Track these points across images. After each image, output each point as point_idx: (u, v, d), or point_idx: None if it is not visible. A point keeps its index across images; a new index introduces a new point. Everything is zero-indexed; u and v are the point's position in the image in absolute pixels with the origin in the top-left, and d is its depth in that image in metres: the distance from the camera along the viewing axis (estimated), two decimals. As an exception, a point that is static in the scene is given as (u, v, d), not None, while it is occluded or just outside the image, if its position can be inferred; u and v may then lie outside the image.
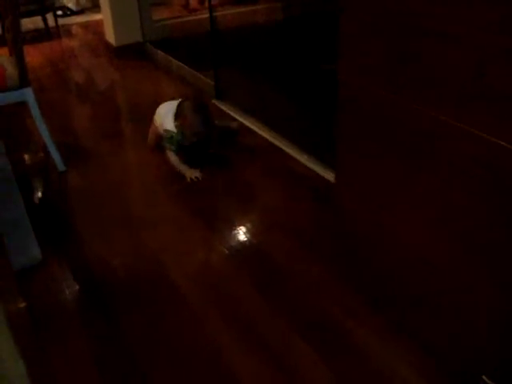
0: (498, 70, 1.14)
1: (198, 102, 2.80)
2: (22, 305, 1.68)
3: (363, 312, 1.77)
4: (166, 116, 2.78)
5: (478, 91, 1.20)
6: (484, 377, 1.37)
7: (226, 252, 2.11)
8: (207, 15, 3.64)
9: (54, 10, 5.98)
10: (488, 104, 1.18)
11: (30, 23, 6.01)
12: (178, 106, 2.73)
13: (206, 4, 3.99)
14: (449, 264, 1.43)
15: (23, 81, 2.56)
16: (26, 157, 3.01)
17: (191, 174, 2.65)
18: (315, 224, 2.22)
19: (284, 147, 2.86)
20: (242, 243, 2.16)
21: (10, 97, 2.56)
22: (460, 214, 1.35)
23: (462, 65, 1.22)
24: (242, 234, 2.21)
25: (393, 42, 1.42)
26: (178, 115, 2.71)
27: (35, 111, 2.64)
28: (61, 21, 6.23)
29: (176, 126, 2.70)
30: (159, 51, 4.51)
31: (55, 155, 2.76)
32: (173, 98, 2.92)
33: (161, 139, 2.83)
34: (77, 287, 2.00)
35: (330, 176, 2.43)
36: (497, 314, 1.33)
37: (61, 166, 2.78)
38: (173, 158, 2.72)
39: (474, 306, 1.40)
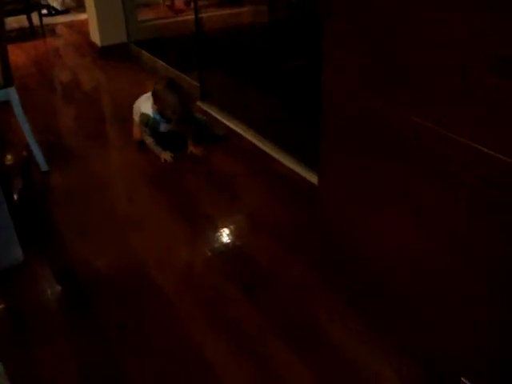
0: (481, 75, 1.15)
1: (169, 81, 2.89)
2: (1, 306, 1.67)
3: (347, 314, 1.78)
4: (142, 103, 2.93)
5: (462, 96, 1.21)
6: (463, 378, 1.39)
7: (209, 254, 2.11)
8: (193, 16, 3.65)
9: (39, 9, 5.95)
10: (472, 110, 1.19)
11: (14, 22, 5.98)
12: (153, 90, 2.86)
13: (192, 5, 3.99)
14: (433, 265, 1.45)
15: (7, 80, 2.55)
16: (9, 156, 2.99)
17: (165, 155, 2.83)
18: (299, 226, 2.23)
19: (268, 149, 2.87)
20: (225, 245, 2.17)
21: (-6, 96, 2.55)
22: (443, 217, 1.36)
23: (446, 70, 1.23)
24: (225, 236, 2.22)
25: (377, 47, 1.43)
26: (154, 98, 2.84)
27: (18, 111, 2.63)
28: (46, 20, 6.19)
29: (153, 109, 2.85)
30: (144, 52, 4.51)
31: (38, 155, 2.75)
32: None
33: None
34: (59, 288, 1.99)
35: (313, 178, 2.44)
36: (480, 314, 1.35)
37: (44, 166, 2.77)
38: (148, 140, 2.89)
39: (455, 307, 1.41)
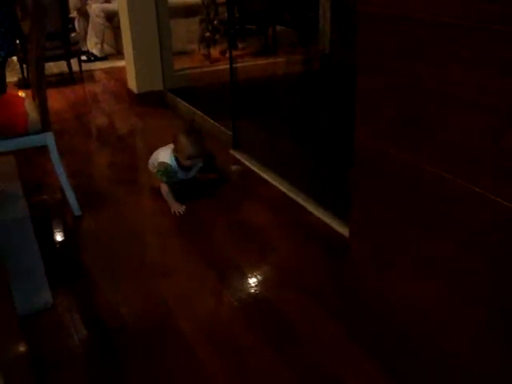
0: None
1: (189, 126, 2.91)
2: (23, 350, 1.67)
3: (373, 374, 1.74)
4: (159, 152, 2.94)
5: (493, 156, 1.20)
6: None
7: (236, 304, 2.09)
8: (228, 66, 3.70)
9: (79, 55, 6.11)
10: (504, 169, 1.18)
11: (54, 67, 6.15)
12: (173, 138, 2.87)
13: (227, 55, 4.06)
14: (464, 330, 1.41)
15: (45, 125, 2.60)
16: (43, 200, 3.03)
17: (175, 207, 2.78)
18: (329, 281, 2.20)
19: (300, 200, 2.87)
20: (253, 297, 2.14)
21: (31, 141, 2.61)
22: (474, 279, 1.33)
23: (477, 129, 1.22)
24: (252, 288, 2.20)
25: (407, 104, 1.43)
26: (175, 145, 2.85)
27: (54, 155, 2.68)
28: (85, 66, 6.35)
29: (171, 156, 2.85)
30: (179, 100, 4.58)
31: (71, 199, 2.78)
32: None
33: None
34: (86, 334, 1.99)
35: (345, 231, 2.42)
36: (496, 370, 1.31)
37: (77, 211, 2.80)
38: (164, 188, 2.84)
39: (489, 374, 1.37)
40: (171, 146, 2.92)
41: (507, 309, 1.26)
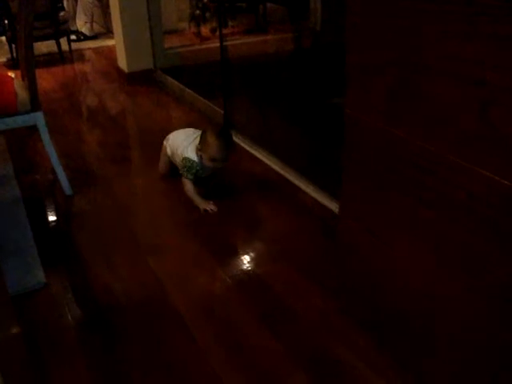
0: (502, 110, 1.14)
1: (221, 129, 2.77)
2: (16, 331, 1.67)
3: (365, 348, 1.76)
4: (183, 144, 2.73)
5: (481, 130, 1.20)
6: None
7: (229, 281, 2.10)
8: (218, 44, 3.68)
9: (68, 34, 6.07)
10: (491, 143, 1.18)
11: (43, 47, 6.10)
12: (202, 132, 2.67)
13: (218, 33, 4.04)
14: (449, 300, 1.43)
15: (34, 104, 2.59)
16: (35, 180, 3.03)
17: (206, 205, 2.61)
18: (320, 256, 2.22)
19: (291, 177, 2.87)
20: (245, 273, 2.16)
21: (21, 121, 2.59)
22: (460, 250, 1.35)
23: (464, 102, 1.23)
24: (245, 264, 2.21)
25: (397, 78, 1.43)
26: (201, 142, 2.63)
27: (44, 135, 2.67)
28: (74, 45, 6.31)
29: (197, 154, 2.64)
30: (170, 78, 4.56)
31: (63, 179, 2.78)
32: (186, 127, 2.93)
33: (170, 166, 2.86)
34: (79, 312, 1.99)
35: (336, 208, 2.43)
36: (496, 352, 1.32)
37: (68, 190, 2.80)
38: (188, 186, 2.66)
39: (471, 343, 1.39)
40: (192, 135, 2.76)
41: (491, 277, 1.27)
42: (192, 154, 2.65)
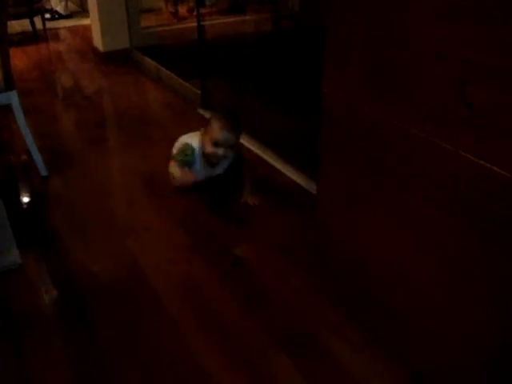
0: (480, 90, 1.15)
1: (228, 113, 2.59)
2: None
3: (344, 327, 1.78)
4: (187, 137, 2.59)
5: (459, 110, 1.21)
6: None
7: (208, 263, 2.10)
8: (195, 24, 3.65)
9: (42, 13, 5.96)
10: (469, 123, 1.19)
11: (17, 25, 6.00)
12: (210, 115, 2.53)
13: (195, 13, 4.01)
14: (425, 278, 1.45)
15: (8, 84, 2.55)
16: (9, 161, 2.99)
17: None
18: (299, 237, 2.23)
19: (268, 158, 2.87)
20: (223, 254, 2.16)
21: (-5, 100, 2.55)
22: (434, 229, 1.36)
23: (444, 83, 1.23)
24: (223, 245, 2.21)
25: (375, 58, 1.43)
26: (209, 124, 2.48)
27: (19, 115, 2.63)
28: (49, 24, 6.21)
29: (200, 139, 2.50)
30: (146, 58, 4.51)
31: (38, 160, 2.75)
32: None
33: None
34: (56, 293, 1.98)
35: (314, 189, 2.44)
36: (471, 327, 1.34)
37: (43, 171, 2.77)
38: (171, 164, 2.53)
39: (447, 319, 1.41)
40: (198, 134, 2.57)
41: (466, 257, 1.29)
42: (192, 141, 2.52)
